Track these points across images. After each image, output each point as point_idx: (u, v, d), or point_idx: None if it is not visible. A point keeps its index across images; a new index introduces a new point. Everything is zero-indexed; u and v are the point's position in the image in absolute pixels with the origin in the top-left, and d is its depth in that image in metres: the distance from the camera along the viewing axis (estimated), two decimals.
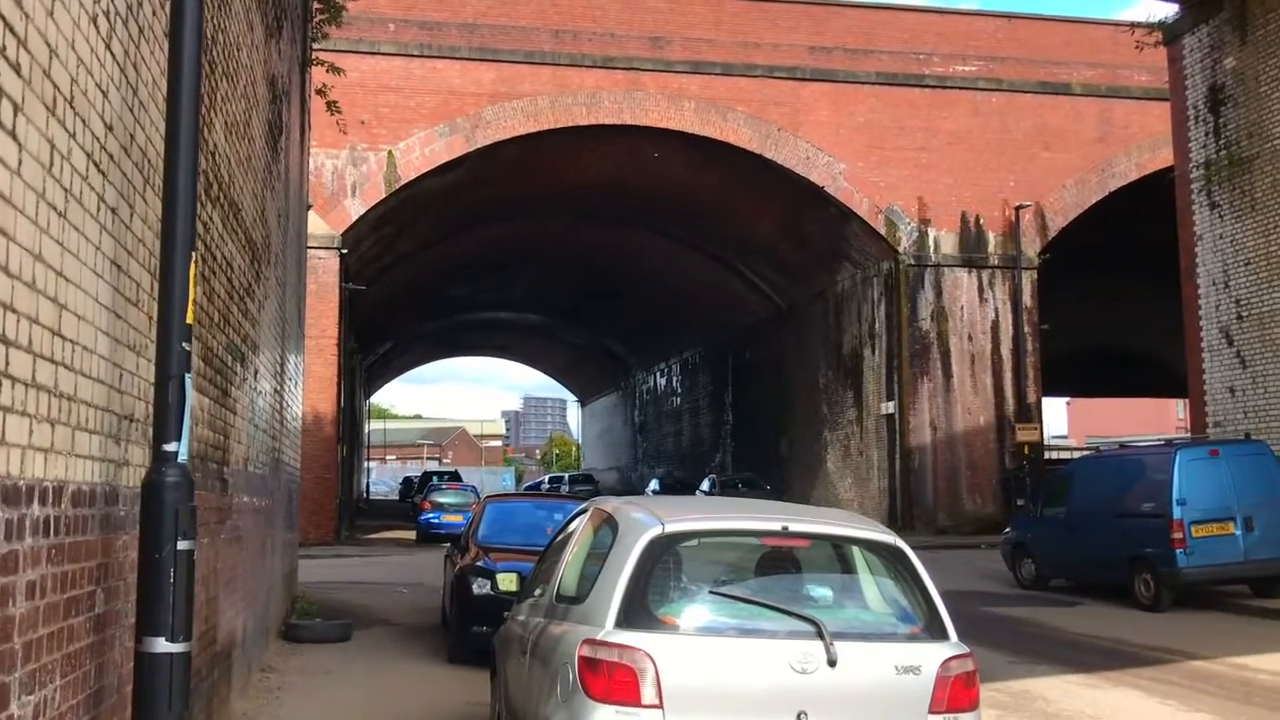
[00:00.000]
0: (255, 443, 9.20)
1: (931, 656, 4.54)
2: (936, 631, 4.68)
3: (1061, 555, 16.97)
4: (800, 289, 36.98)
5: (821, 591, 5.08)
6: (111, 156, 4.11)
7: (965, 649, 4.68)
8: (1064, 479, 17.70)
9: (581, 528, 5.54)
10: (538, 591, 5.98)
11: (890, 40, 31.93)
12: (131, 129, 4.44)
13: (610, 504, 5.48)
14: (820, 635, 4.41)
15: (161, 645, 4.02)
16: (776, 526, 4.84)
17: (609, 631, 4.41)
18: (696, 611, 4.60)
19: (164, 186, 4.24)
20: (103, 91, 3.96)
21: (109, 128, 4.06)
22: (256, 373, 9.12)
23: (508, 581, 9.50)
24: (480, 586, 9.88)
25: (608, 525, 5.13)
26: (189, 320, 4.20)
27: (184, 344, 4.17)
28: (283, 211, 11.40)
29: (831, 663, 4.36)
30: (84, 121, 3.73)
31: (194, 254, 4.23)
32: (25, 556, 3.19)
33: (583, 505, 6.06)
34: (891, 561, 4.95)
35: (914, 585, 4.81)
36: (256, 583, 9.60)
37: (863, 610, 5.01)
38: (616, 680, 4.29)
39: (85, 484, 3.84)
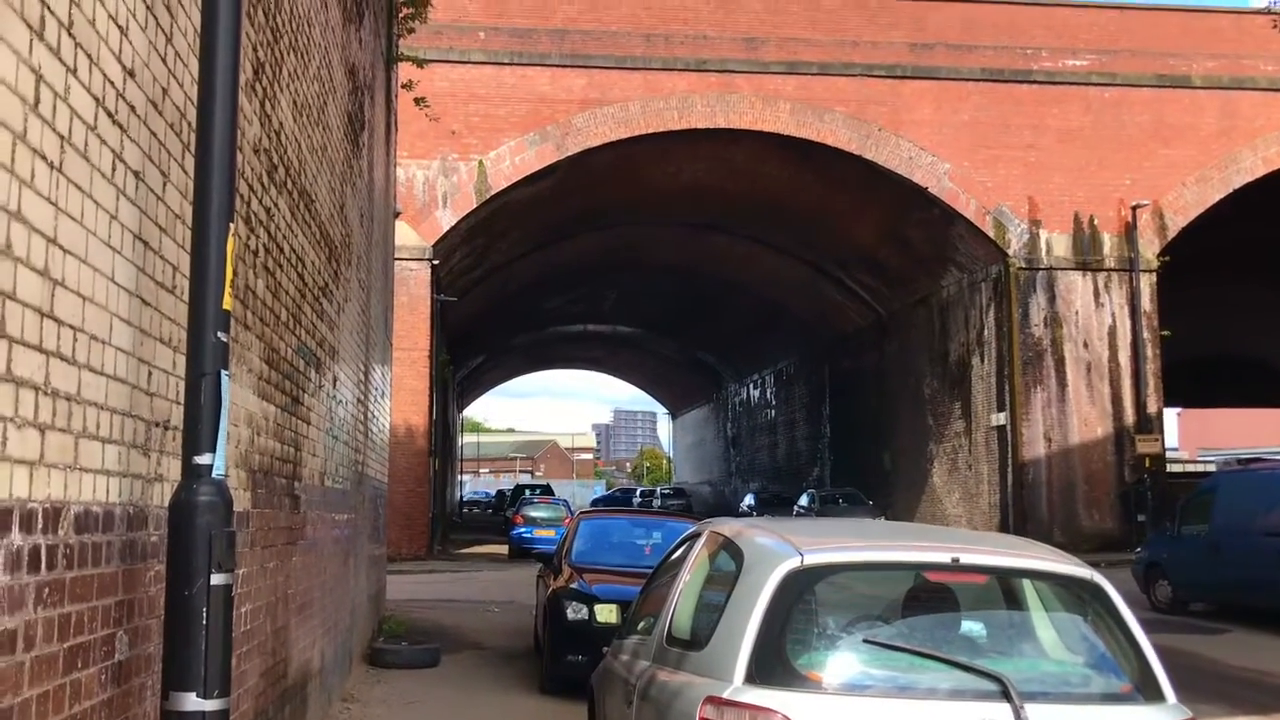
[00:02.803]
0: (334, 455, 8.55)
1: None
2: (1151, 691, 3.71)
3: (1204, 577, 15.56)
4: (901, 295, 35.64)
5: (988, 637, 4.14)
6: (133, 109, 3.40)
7: (1189, 713, 3.71)
8: (1205, 494, 16.26)
9: (695, 555, 4.68)
10: (642, 626, 5.14)
11: (994, 35, 30.52)
12: (164, 82, 3.73)
13: (729, 526, 4.62)
14: (1007, 696, 3.48)
15: (192, 702, 3.27)
16: (944, 558, 3.92)
17: (737, 688, 3.54)
18: (844, 663, 3.71)
19: (196, 143, 3.52)
20: (119, 26, 3.25)
21: (129, 72, 3.35)
22: (335, 380, 8.48)
23: (607, 613, 8.66)
24: (575, 612, 9.09)
25: (728, 553, 4.27)
26: (226, 305, 3.46)
27: (219, 334, 3.43)
28: (365, 212, 10.81)
29: None
30: (90, 57, 3.02)
31: (232, 226, 3.50)
32: None
33: (694, 527, 5.20)
34: (1082, 601, 4.00)
35: (1117, 631, 3.86)
36: (337, 606, 8.94)
37: (1043, 660, 4.06)
38: None
39: (96, 505, 3.12)
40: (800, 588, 3.74)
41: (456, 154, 28.19)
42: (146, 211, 3.57)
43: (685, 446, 78.68)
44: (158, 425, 3.71)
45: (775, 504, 40.03)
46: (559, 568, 10.24)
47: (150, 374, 3.64)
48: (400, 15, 12.95)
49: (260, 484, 5.55)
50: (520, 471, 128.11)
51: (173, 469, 3.81)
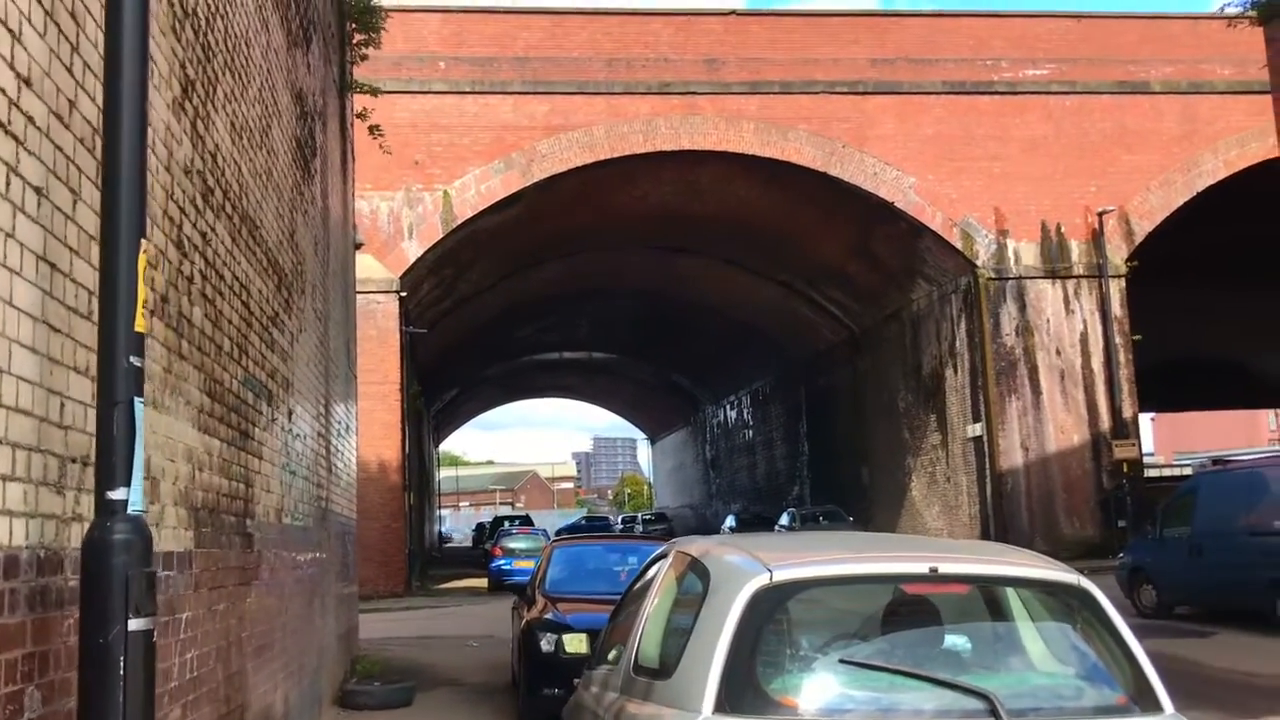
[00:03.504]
0: (293, 492, 8.25)
1: None
2: (1147, 702, 3.49)
3: (1188, 579, 15.42)
4: (873, 311, 35.60)
5: (973, 651, 3.91)
6: (31, 120, 3.16)
7: None
8: (1185, 496, 16.15)
9: (662, 577, 4.43)
10: (611, 655, 4.89)
11: (955, 48, 30.64)
12: (71, 94, 3.49)
13: (695, 545, 4.38)
14: (994, 714, 3.25)
15: None
16: (922, 568, 3.70)
17: (707, 718, 3.30)
18: (821, 686, 3.46)
19: (102, 154, 3.27)
20: (9, 30, 3.01)
21: (24, 80, 3.11)
22: (291, 413, 8.20)
23: (576, 643, 8.36)
24: (549, 643, 8.80)
25: (695, 574, 4.03)
26: (139, 327, 3.21)
27: (131, 358, 3.18)
28: (320, 240, 10.55)
29: None
30: None
31: (144, 243, 3.25)
32: None
33: (661, 548, 4.95)
34: (1070, 608, 3.79)
35: (1108, 639, 3.64)
36: (302, 648, 8.62)
37: (1032, 673, 3.83)
38: None
39: None
40: (770, 606, 3.50)
41: (421, 184, 27.96)
42: (53, 231, 3.32)
43: (665, 471, 78.35)
44: (73, 461, 3.44)
45: (756, 524, 39.77)
46: (533, 598, 9.95)
47: (63, 405, 3.38)
48: (354, 42, 12.74)
49: (204, 522, 5.27)
50: (501, 503, 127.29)
51: (93, 507, 3.54)
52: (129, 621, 3.03)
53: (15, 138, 3.05)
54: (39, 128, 3.22)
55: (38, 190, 3.21)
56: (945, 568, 3.68)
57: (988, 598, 4.06)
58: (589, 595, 9.66)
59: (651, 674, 3.90)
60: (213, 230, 5.57)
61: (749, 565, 3.64)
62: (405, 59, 27.18)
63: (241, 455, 6.24)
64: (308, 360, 9.28)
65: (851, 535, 6.59)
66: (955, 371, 30.72)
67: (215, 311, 5.62)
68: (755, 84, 29.33)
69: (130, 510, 3.12)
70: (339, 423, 11.89)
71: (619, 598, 9.58)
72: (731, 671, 3.36)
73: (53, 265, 3.31)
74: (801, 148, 29.30)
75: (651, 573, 4.69)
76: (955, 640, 3.95)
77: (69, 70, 3.48)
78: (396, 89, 25.40)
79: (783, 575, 3.54)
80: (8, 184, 3.00)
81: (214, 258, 5.60)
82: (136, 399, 3.18)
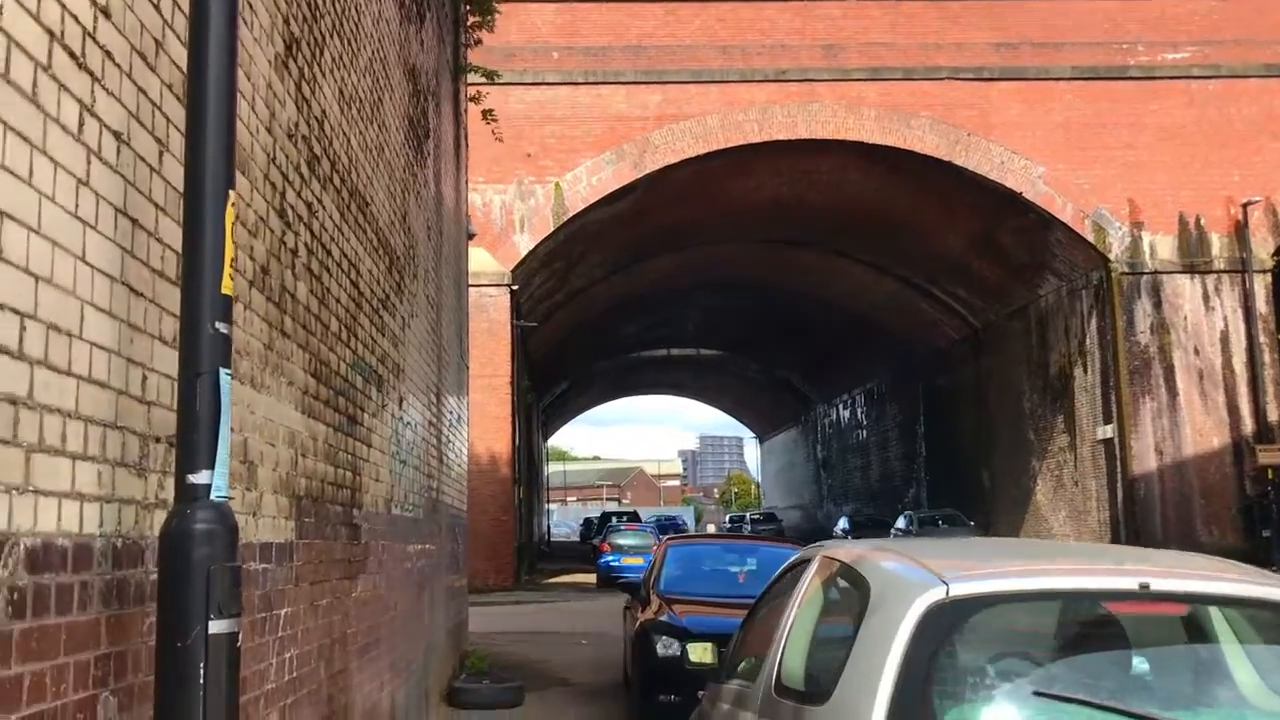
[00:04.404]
0: (403, 481, 7.96)
1: None
2: None
3: None
4: (997, 306, 34.28)
5: (1177, 680, 3.30)
6: (110, 56, 2.80)
7: None
8: None
9: (806, 585, 3.91)
10: (743, 668, 4.39)
11: (1086, 30, 29.19)
12: (158, 33, 3.14)
13: (845, 550, 3.85)
14: None
15: None
16: (1129, 584, 3.10)
17: None
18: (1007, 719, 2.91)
19: (188, 96, 2.90)
20: None
21: (101, 9, 2.75)
22: (401, 400, 7.90)
23: (701, 652, 7.83)
24: (665, 647, 8.33)
25: (849, 582, 3.50)
26: (225, 289, 2.83)
27: (217, 324, 2.80)
28: (433, 225, 10.28)
29: None
30: None
31: (232, 194, 2.88)
32: None
33: (801, 552, 4.43)
34: None
35: None
36: (410, 644, 8.33)
37: (1247, 709, 3.20)
38: None
39: (62, 537, 2.50)
40: (946, 625, 2.96)
41: (533, 177, 27.83)
42: (135, 183, 2.97)
43: (774, 470, 77.39)
44: (157, 440, 3.09)
45: (870, 527, 38.78)
46: (647, 598, 9.50)
47: (145, 378, 3.03)
48: (468, 24, 12.47)
49: (307, 511, 4.94)
50: (607, 499, 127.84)
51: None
52: (210, 623, 2.65)
53: (91, 74, 2.69)
54: (119, 65, 2.86)
55: (117, 135, 2.85)
56: (1158, 584, 3.08)
57: (1188, 618, 3.45)
58: (706, 598, 9.17)
59: (799, 697, 3.39)
60: (319, 202, 5.25)
61: (918, 576, 3.10)
62: (518, 50, 27.04)
63: (349, 441, 5.92)
64: (419, 347, 9.00)
65: (1020, 543, 5.95)
66: (1085, 371, 29.31)
67: (322, 289, 5.30)
68: (876, 70, 28.43)
69: (214, 496, 2.75)
70: (451, 413, 11.63)
71: (737, 601, 9.12)
72: (901, 700, 2.84)
73: (134, 221, 2.96)
74: (924, 136, 28.29)
75: (791, 580, 4.17)
76: (1154, 668, 3.35)
77: (155, 6, 3.13)
78: (510, 80, 25.27)
79: (962, 589, 2.99)
80: (81, 125, 2.64)
81: (320, 231, 5.28)
82: (222, 370, 2.80)
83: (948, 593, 2.97)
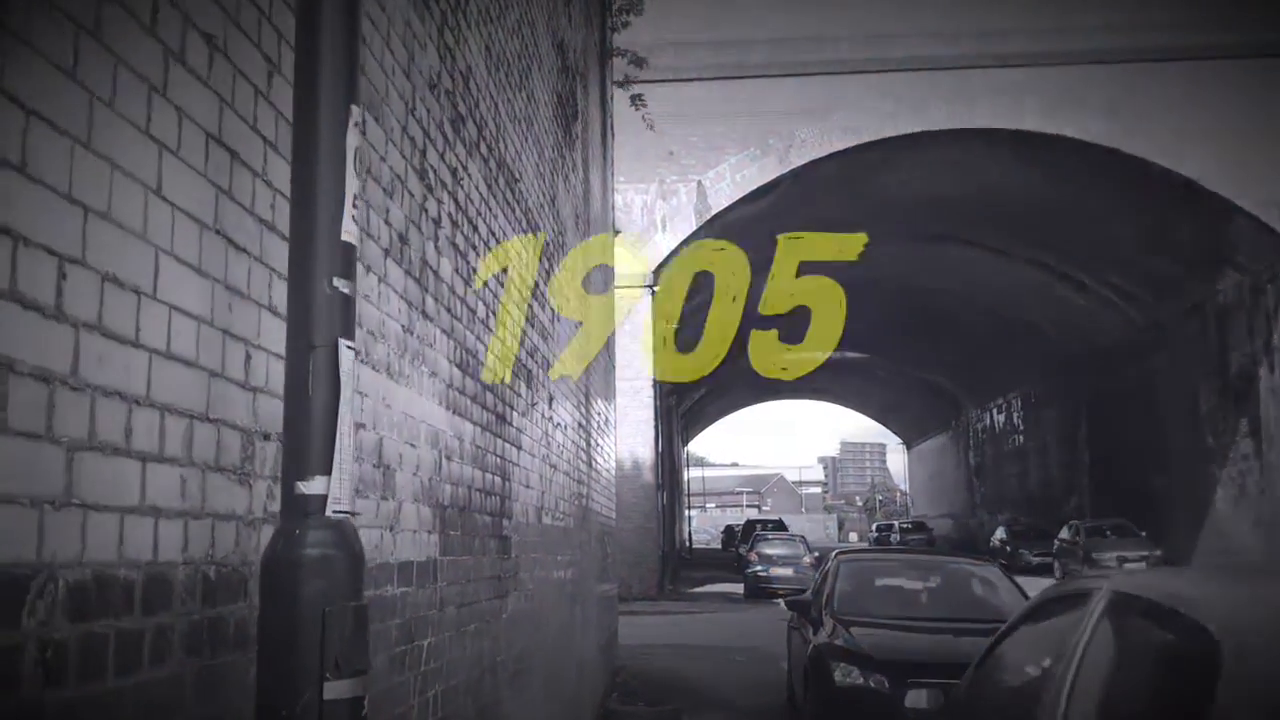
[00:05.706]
0: (553, 488, 7.30)
1: None
2: None
3: None
4: (1169, 304, 31.97)
5: None
6: None
7: None
8: None
9: (1090, 628, 3.00)
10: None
11: (1263, 4, 26.83)
12: None
13: (1140, 583, 2.93)
14: None
15: None
16: None
17: None
18: None
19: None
20: None
21: None
22: (552, 399, 7.24)
23: (918, 699, 6.81)
24: (845, 674, 7.43)
25: (1169, 632, 2.60)
26: (346, 236, 2.13)
27: (336, 281, 2.09)
28: (581, 214, 9.64)
29: None
30: None
31: (354, 108, 2.18)
32: None
33: (1078, 583, 3.52)
34: None
35: None
36: (563, 663, 7.66)
37: None
38: None
39: (126, 567, 1.83)
40: None
41: (675, 175, 27.15)
42: (233, 104, 2.29)
43: (923, 478, 74.91)
44: (265, 437, 2.42)
45: (1029, 537, 36.81)
46: (819, 619, 8.60)
47: (249, 356, 2.36)
48: (614, 7, 11.84)
49: (453, 523, 4.28)
50: (746, 506, 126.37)
51: None
52: (325, 685, 1.94)
53: None
54: None
55: (208, 39, 2.18)
56: None
57: None
58: (886, 619, 8.24)
59: None
60: (464, 169, 4.58)
61: None
62: (661, 46, 26.37)
63: (497, 443, 5.26)
64: (568, 342, 8.34)
65: None
66: (1272, 371, 26.96)
67: (468, 268, 4.64)
68: (1035, 56, 26.76)
69: (331, 511, 2.04)
70: (599, 415, 10.98)
71: (922, 625, 8.16)
72: None
73: (232, 153, 2.29)
74: (1087, 123, 26.48)
75: (1059, 617, 3.27)
76: None
77: None
78: (651, 78, 24.63)
79: None
80: (155, 16, 1.97)
81: (466, 203, 4.61)
82: (343, 342, 2.09)
83: None
